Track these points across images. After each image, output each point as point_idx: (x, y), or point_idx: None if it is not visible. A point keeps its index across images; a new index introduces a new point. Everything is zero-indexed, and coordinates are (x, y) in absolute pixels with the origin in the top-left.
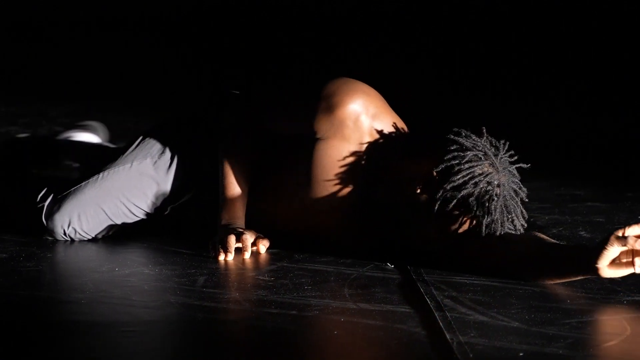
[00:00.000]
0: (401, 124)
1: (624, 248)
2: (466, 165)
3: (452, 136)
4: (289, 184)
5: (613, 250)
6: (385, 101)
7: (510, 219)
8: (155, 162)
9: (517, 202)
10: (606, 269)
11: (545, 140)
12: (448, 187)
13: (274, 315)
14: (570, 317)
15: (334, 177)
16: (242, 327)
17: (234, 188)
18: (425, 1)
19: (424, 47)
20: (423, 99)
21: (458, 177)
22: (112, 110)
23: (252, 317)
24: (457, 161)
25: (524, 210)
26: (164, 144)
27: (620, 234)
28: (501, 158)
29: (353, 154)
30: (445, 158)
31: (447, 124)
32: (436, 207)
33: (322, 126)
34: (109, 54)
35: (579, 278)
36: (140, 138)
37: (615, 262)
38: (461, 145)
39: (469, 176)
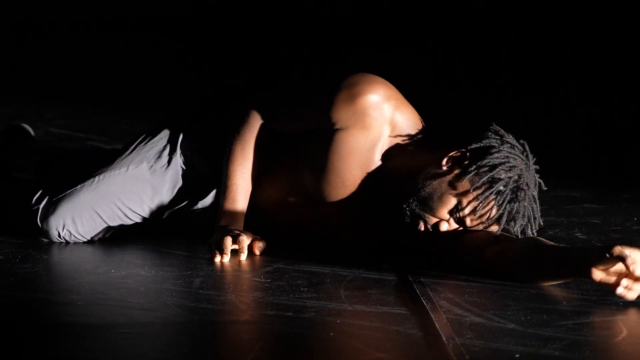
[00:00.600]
0: (418, 120)
1: (619, 265)
2: (505, 151)
3: (495, 126)
4: (302, 175)
5: (609, 263)
6: (403, 96)
7: (526, 218)
8: (152, 166)
9: (536, 208)
10: (598, 273)
11: (541, 141)
12: (483, 163)
13: (270, 317)
14: (567, 318)
15: (350, 166)
16: (238, 329)
17: (236, 190)
18: (425, 1)
19: (423, 47)
20: (422, 99)
21: (495, 156)
22: (108, 111)
23: (248, 319)
24: (497, 145)
25: (540, 220)
26: (161, 148)
27: (627, 252)
28: (530, 166)
29: (371, 143)
30: (486, 136)
31: (446, 123)
32: (464, 180)
33: (343, 115)
34: (105, 54)
35: (570, 279)
36: (137, 141)
37: (607, 271)
38: (501, 136)
39: (505, 160)
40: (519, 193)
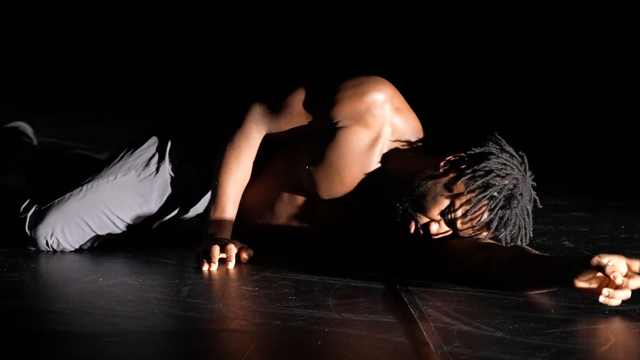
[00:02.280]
0: (420, 126)
1: (599, 274)
2: (503, 158)
3: (497, 134)
4: (296, 168)
5: (589, 274)
6: (406, 102)
7: (517, 228)
8: (140, 174)
9: (528, 221)
10: (581, 283)
11: (528, 149)
12: (479, 167)
13: (258, 326)
14: (554, 326)
15: (349, 164)
16: (226, 337)
17: (226, 199)
18: (421, 3)
19: (416, 48)
20: (421, 103)
21: (492, 162)
22: (96, 120)
23: (236, 327)
24: (496, 152)
25: (531, 232)
26: (149, 156)
27: (605, 260)
28: (526, 179)
29: (372, 143)
30: (484, 145)
31: (446, 130)
32: (459, 182)
33: (347, 112)
34: (93, 63)
35: (555, 289)
36: (125, 150)
37: (590, 283)
38: (501, 145)
39: (501, 167)
40: (512, 201)
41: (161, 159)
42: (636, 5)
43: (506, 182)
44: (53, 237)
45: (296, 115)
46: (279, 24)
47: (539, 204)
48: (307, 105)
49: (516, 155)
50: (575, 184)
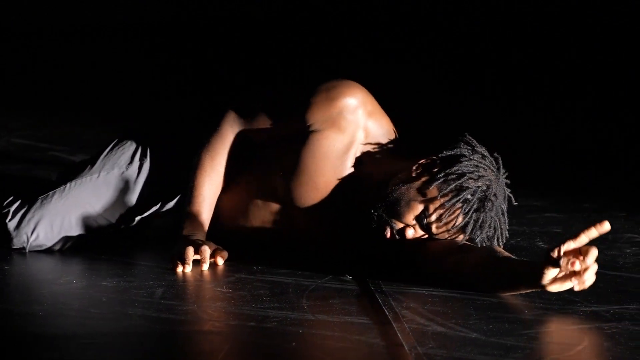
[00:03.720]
0: (393, 128)
1: (557, 270)
2: (474, 160)
3: (467, 135)
4: (270, 174)
5: (551, 273)
6: (379, 105)
7: (492, 228)
8: (123, 172)
9: (503, 220)
10: (552, 285)
11: (502, 150)
12: (452, 171)
13: (232, 327)
14: (528, 327)
15: (323, 169)
16: (200, 339)
17: (201, 200)
18: (421, 3)
19: (416, 48)
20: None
21: (465, 164)
22: (73, 122)
23: (210, 329)
24: (467, 154)
25: (507, 232)
26: (132, 154)
27: (555, 255)
28: (500, 179)
29: (345, 148)
30: (457, 146)
31: (420, 132)
32: (432, 186)
33: (320, 116)
34: (70, 64)
35: (529, 291)
36: (108, 148)
37: (557, 278)
38: (473, 147)
39: (474, 169)
40: (486, 203)
41: (143, 157)
42: (636, 5)
43: (479, 184)
44: (34, 234)
45: (270, 118)
46: (279, 24)
47: (514, 201)
48: (281, 108)
49: (488, 155)
50: (549, 185)
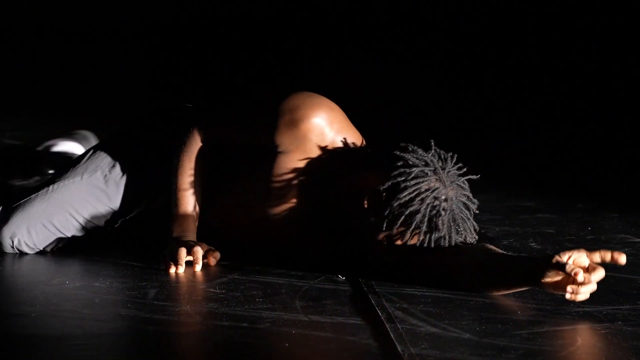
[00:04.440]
0: (359, 139)
1: (561, 275)
2: (412, 182)
3: (398, 152)
4: (248, 194)
5: (553, 274)
6: (346, 116)
7: (459, 233)
8: (106, 175)
9: (467, 215)
10: (547, 286)
11: (496, 151)
12: (395, 205)
13: (225, 328)
14: (521, 328)
15: (293, 190)
16: (193, 340)
17: (187, 201)
18: (421, 3)
19: (416, 48)
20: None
21: (404, 194)
22: (61, 122)
23: (203, 329)
24: (403, 178)
25: (474, 223)
26: (115, 156)
27: (565, 258)
28: (448, 172)
29: (313, 167)
30: (392, 175)
31: (390, 138)
32: (384, 225)
33: (285, 140)
34: (59, 65)
35: (524, 288)
36: (92, 151)
37: (555, 282)
38: (406, 161)
39: (415, 193)
40: (438, 219)
41: (126, 160)
42: (636, 5)
43: (427, 202)
44: (17, 238)
45: (241, 130)
46: (279, 24)
47: (473, 177)
48: (250, 126)
49: (426, 157)
50: (542, 185)
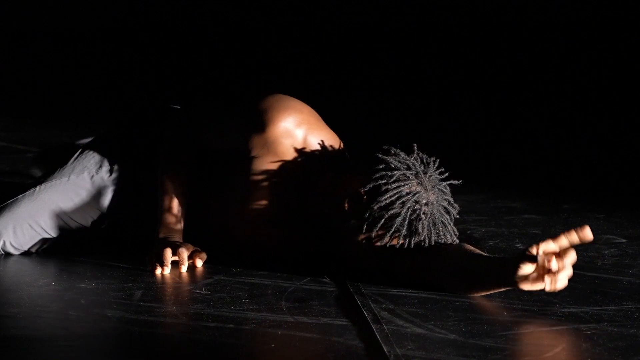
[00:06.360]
0: (335, 140)
1: (533, 267)
2: (393, 185)
3: (380, 155)
4: (229, 197)
5: (526, 268)
6: (318, 116)
7: (439, 237)
8: (93, 176)
9: (447, 219)
10: (524, 283)
11: (481, 152)
12: (375, 208)
13: (211, 329)
14: (507, 329)
15: (271, 192)
16: (179, 341)
17: (173, 201)
18: (416, 6)
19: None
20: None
21: (385, 197)
22: (48, 124)
23: (189, 330)
24: (385, 181)
25: (454, 228)
26: (103, 157)
27: (533, 251)
28: (430, 176)
29: (288, 169)
30: (373, 177)
31: (382, 140)
32: (364, 227)
33: (256, 144)
34: (46, 66)
35: (501, 290)
36: (79, 152)
37: (531, 277)
38: (388, 164)
39: (396, 196)
40: (418, 223)
41: (114, 161)
42: (636, 5)
43: (408, 205)
44: (3, 239)
45: (219, 134)
46: (278, 24)
47: (455, 182)
48: (224, 127)
49: (408, 160)
50: (528, 186)
